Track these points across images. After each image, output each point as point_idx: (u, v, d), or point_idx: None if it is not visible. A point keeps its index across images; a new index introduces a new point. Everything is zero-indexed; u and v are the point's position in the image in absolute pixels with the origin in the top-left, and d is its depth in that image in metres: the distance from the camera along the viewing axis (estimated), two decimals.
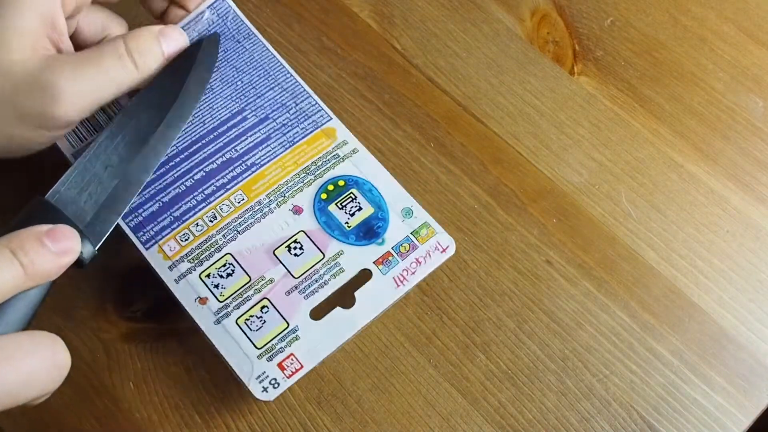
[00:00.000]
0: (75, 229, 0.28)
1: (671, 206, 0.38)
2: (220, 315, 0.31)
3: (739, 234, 0.38)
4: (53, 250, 0.27)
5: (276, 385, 0.30)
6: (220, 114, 0.35)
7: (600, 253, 0.37)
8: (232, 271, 0.32)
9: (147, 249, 0.33)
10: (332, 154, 0.35)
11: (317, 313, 0.32)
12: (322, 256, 0.33)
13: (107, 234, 0.31)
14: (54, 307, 0.35)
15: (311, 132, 0.35)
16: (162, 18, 0.37)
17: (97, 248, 0.31)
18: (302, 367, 0.31)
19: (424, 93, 0.41)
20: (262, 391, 0.30)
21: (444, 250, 0.33)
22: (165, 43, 0.34)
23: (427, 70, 0.42)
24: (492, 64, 0.42)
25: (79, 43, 0.35)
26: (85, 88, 0.31)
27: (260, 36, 0.37)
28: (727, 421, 0.34)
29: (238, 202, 0.33)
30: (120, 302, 0.36)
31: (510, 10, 0.44)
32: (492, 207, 0.38)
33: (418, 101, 0.41)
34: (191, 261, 0.32)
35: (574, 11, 0.44)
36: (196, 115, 0.35)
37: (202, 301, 0.32)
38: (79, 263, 0.29)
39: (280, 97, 0.36)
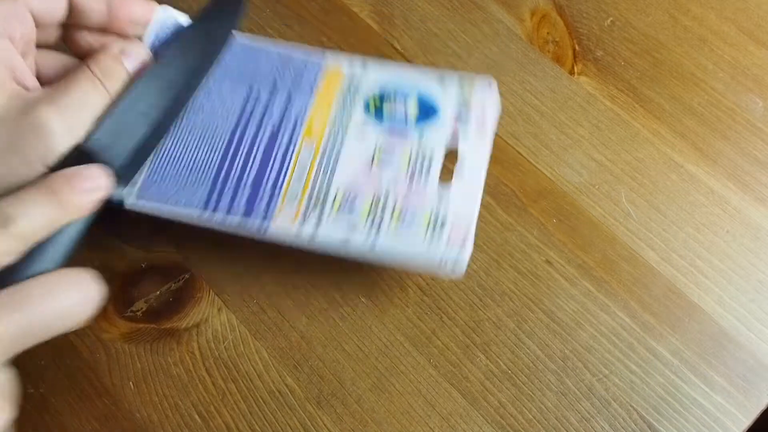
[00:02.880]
0: (108, 171, 0.31)
1: (671, 206, 0.38)
2: (371, 239, 0.33)
3: (739, 234, 0.38)
4: (83, 186, 0.30)
5: (458, 257, 0.32)
6: (234, 101, 0.36)
7: (600, 253, 0.37)
8: (354, 198, 0.34)
9: (267, 227, 0.33)
10: (353, 78, 0.37)
11: (442, 186, 0.34)
12: (410, 147, 0.35)
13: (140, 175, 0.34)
14: None
15: (320, 73, 0.37)
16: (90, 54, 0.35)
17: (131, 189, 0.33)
18: (467, 230, 0.33)
19: None
20: (452, 271, 0.32)
21: (490, 85, 0.36)
22: (128, 61, 0.34)
23: None
24: (492, 64, 0.42)
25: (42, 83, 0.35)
26: (73, 121, 0.31)
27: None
28: (727, 421, 0.34)
29: (312, 149, 0.35)
30: (120, 302, 0.36)
31: (510, 10, 0.44)
32: (492, 207, 0.38)
33: None
34: (314, 209, 0.33)
35: (574, 11, 0.44)
36: (218, 112, 0.36)
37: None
38: (116, 204, 0.32)
39: (271, 66, 0.37)
